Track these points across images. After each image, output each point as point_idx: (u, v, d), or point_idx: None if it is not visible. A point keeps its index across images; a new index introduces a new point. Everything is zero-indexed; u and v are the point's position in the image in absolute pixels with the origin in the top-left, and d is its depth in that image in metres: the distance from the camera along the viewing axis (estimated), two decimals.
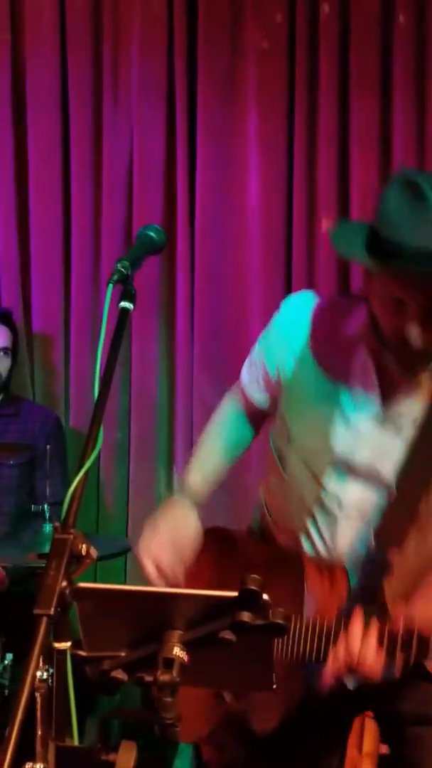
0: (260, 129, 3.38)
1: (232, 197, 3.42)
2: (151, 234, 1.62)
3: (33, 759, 1.13)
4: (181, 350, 3.43)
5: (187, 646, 1.20)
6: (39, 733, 1.17)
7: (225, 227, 3.43)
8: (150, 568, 1.79)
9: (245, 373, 2.01)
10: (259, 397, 1.98)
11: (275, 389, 1.90)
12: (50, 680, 1.18)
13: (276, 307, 3.35)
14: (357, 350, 1.72)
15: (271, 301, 3.40)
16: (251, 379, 1.98)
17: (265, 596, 1.18)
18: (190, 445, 3.42)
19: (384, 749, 1.67)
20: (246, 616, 1.18)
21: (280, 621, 1.19)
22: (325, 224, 3.37)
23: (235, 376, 3.41)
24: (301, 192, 3.35)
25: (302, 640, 1.65)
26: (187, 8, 3.38)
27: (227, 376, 3.41)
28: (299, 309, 1.89)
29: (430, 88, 3.29)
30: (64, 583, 1.15)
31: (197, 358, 3.43)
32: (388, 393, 1.70)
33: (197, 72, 3.40)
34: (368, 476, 1.73)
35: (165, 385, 3.47)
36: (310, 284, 3.37)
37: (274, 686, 1.23)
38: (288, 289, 3.39)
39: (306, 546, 1.78)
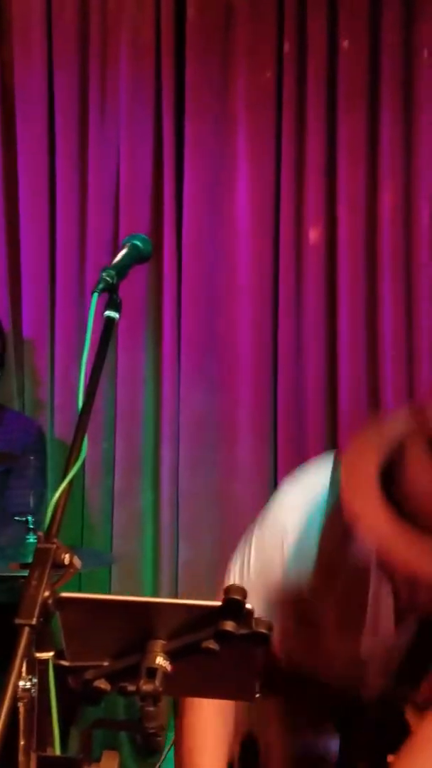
0: (249, 141, 3.40)
1: (219, 210, 3.43)
2: (137, 243, 1.62)
3: None
4: (168, 362, 3.43)
5: (170, 655, 1.19)
6: (21, 743, 1.16)
7: (212, 240, 3.44)
8: None
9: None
10: None
11: None
12: (33, 690, 1.17)
13: (263, 319, 3.39)
14: (369, 575, 1.56)
15: (259, 314, 3.41)
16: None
17: (248, 605, 1.18)
18: (176, 457, 3.41)
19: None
20: (229, 626, 1.18)
21: (263, 630, 1.19)
22: (313, 235, 3.38)
23: (223, 388, 3.46)
24: (289, 205, 3.37)
25: None
26: (175, 19, 3.40)
27: (214, 388, 3.42)
28: (301, 514, 1.63)
29: (418, 103, 3.32)
30: (47, 593, 1.14)
31: (184, 369, 3.43)
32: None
33: (185, 85, 3.41)
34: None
35: (151, 396, 3.47)
36: (297, 297, 3.38)
37: (257, 695, 1.23)
38: (275, 302, 3.39)
39: None
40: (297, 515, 1.62)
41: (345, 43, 3.32)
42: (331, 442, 3.36)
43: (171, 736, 3.08)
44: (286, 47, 3.35)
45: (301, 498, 1.64)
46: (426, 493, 1.37)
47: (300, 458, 3.35)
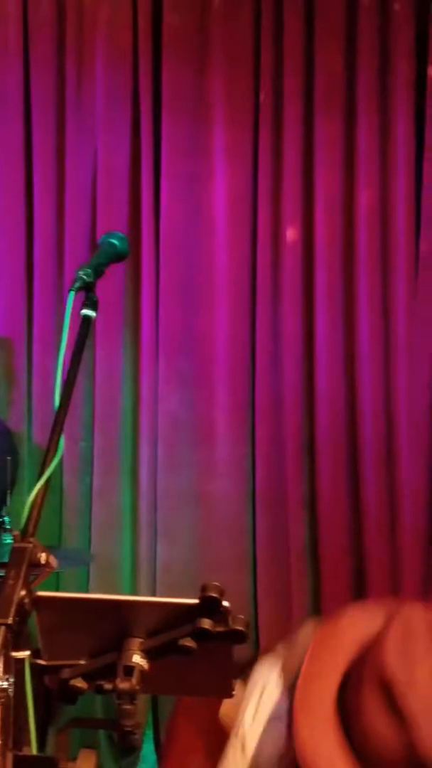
0: (226, 140, 3.40)
1: (197, 208, 3.43)
2: (114, 241, 1.62)
3: None
4: (146, 360, 3.42)
5: (147, 653, 1.19)
6: None
7: (190, 239, 3.44)
8: None
9: None
10: None
11: None
12: (10, 689, 1.17)
13: (241, 318, 3.40)
14: None
15: (236, 313, 3.41)
16: None
17: (225, 603, 1.18)
18: (155, 456, 3.41)
19: None
20: (207, 624, 1.18)
21: (240, 628, 1.20)
22: (290, 234, 3.39)
23: (200, 386, 3.46)
24: (266, 203, 3.38)
25: None
26: (152, 19, 3.39)
27: (192, 386, 3.42)
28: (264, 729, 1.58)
29: (393, 103, 3.34)
30: (23, 592, 1.14)
31: (162, 368, 3.43)
32: None
33: (162, 82, 3.41)
34: None
35: (129, 395, 3.46)
36: (275, 296, 3.38)
37: (234, 693, 1.23)
38: (253, 301, 3.40)
39: None
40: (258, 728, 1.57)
41: (321, 47, 3.34)
42: (309, 440, 3.37)
43: (149, 733, 3.09)
44: (264, 47, 3.36)
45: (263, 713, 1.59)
46: (380, 744, 1.34)
47: (278, 456, 3.37)
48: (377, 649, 1.37)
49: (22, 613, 1.14)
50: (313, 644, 1.48)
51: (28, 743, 1.23)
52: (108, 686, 1.15)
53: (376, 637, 1.40)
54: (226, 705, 1.77)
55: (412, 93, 3.33)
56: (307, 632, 1.57)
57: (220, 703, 1.81)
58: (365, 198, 3.36)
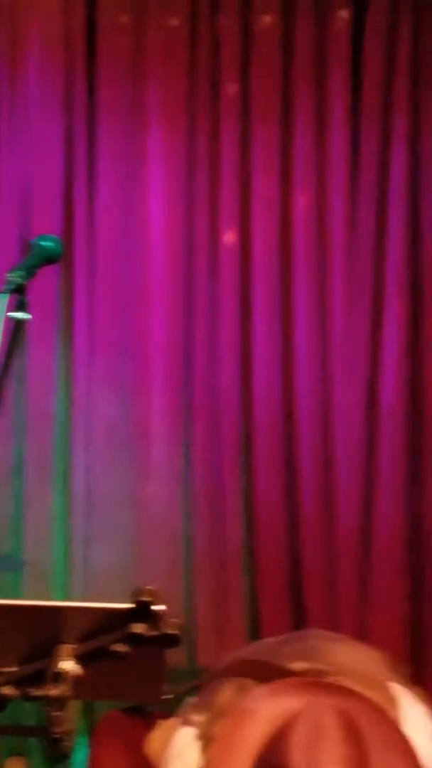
0: (162, 143, 3.41)
1: (132, 211, 3.42)
2: (45, 244, 1.61)
3: None
4: (80, 364, 3.40)
5: (79, 659, 1.18)
6: None
7: (125, 241, 3.43)
8: None
9: None
10: None
11: None
12: None
13: (176, 321, 3.39)
14: None
15: (172, 316, 3.41)
16: None
17: (158, 607, 1.18)
18: (88, 460, 3.38)
19: None
20: (139, 628, 1.17)
21: (173, 632, 1.19)
22: (227, 237, 3.41)
23: (135, 391, 3.43)
24: (203, 206, 3.39)
25: None
26: (86, 22, 3.37)
27: (127, 390, 3.41)
28: None
29: (330, 105, 3.38)
30: None
31: (96, 372, 3.40)
32: None
33: (96, 86, 3.39)
34: None
35: (63, 399, 3.43)
36: (212, 297, 3.39)
37: (163, 698, 1.23)
38: (189, 304, 3.40)
39: None
40: None
41: (257, 53, 3.36)
42: (246, 441, 3.38)
43: (84, 740, 3.05)
44: (200, 51, 3.37)
45: None
46: None
47: (214, 458, 3.37)
48: (283, 747, 1.30)
49: None
50: (223, 730, 1.41)
51: None
52: (37, 693, 1.13)
53: (284, 726, 1.32)
54: (156, 741, 1.74)
55: (348, 98, 3.38)
56: (225, 697, 1.50)
57: (144, 725, 1.78)
58: (302, 201, 3.39)
